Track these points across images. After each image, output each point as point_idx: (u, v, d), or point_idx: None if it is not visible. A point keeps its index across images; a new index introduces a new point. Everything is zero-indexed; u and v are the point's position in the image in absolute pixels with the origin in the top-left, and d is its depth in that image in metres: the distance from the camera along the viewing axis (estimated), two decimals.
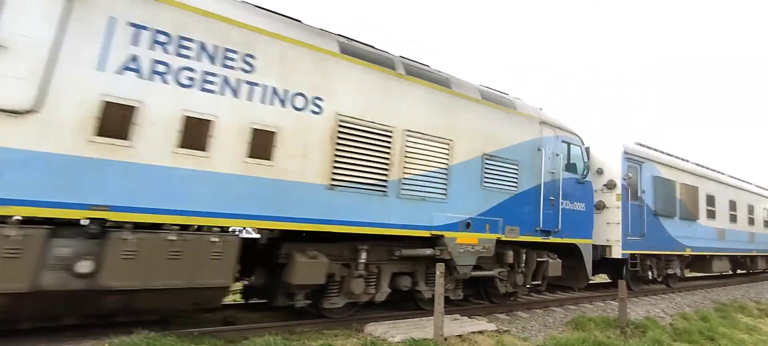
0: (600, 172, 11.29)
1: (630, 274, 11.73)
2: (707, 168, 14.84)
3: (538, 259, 8.55)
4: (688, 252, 13.05)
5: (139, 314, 4.85)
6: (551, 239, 8.69)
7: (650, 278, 11.89)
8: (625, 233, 10.72)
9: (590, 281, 10.38)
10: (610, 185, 11.01)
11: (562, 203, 8.94)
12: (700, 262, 14.65)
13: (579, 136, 9.79)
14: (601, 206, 11.07)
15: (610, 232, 10.86)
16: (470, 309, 7.73)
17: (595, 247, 10.78)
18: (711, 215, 14.30)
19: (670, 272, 12.71)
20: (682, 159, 13.69)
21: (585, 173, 9.64)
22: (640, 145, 12.32)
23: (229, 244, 4.99)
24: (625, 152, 11.15)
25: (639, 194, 11.47)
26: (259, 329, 5.53)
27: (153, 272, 4.49)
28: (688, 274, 15.66)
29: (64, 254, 4.17)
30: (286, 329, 5.66)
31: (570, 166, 9.50)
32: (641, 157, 11.68)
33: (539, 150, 8.61)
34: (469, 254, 7.17)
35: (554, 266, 8.71)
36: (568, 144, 9.47)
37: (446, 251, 6.88)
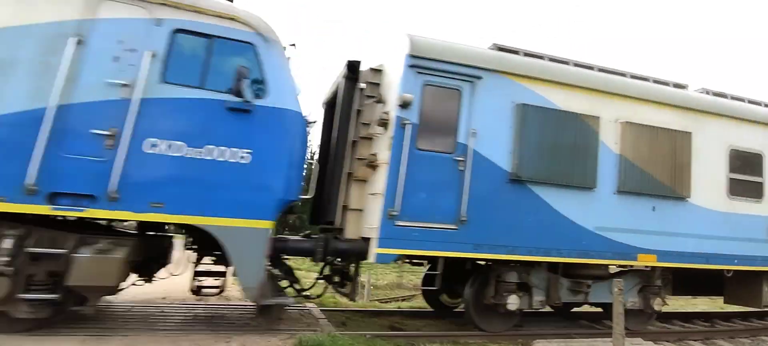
0: (378, 100, 6.04)
1: (473, 302, 6.08)
2: (729, 97, 7.16)
3: (40, 249, 4.41)
4: (648, 260, 6.31)
5: None
6: (86, 212, 4.47)
7: (517, 308, 5.89)
8: (390, 215, 5.34)
9: (268, 303, 5.25)
10: (382, 122, 5.71)
11: (150, 145, 4.59)
12: (743, 285, 7.28)
13: (245, 23, 5.10)
14: (372, 164, 5.87)
15: (370, 211, 5.61)
16: (655, 333, 6.70)
17: (332, 239, 5.79)
18: (744, 190, 6.83)
19: (592, 298, 6.28)
20: (638, 77, 6.73)
21: (254, 92, 4.95)
22: (500, 48, 6.32)
23: None
24: (413, 55, 5.63)
25: (460, 139, 5.75)
26: (425, 336, 5.64)
27: None
28: (674, 306, 8.21)
29: None
30: (451, 339, 5.63)
31: (209, 77, 4.97)
32: (472, 66, 5.82)
33: (69, 41, 4.50)
34: None
35: (82, 267, 4.41)
36: (208, 38, 4.96)
37: None
